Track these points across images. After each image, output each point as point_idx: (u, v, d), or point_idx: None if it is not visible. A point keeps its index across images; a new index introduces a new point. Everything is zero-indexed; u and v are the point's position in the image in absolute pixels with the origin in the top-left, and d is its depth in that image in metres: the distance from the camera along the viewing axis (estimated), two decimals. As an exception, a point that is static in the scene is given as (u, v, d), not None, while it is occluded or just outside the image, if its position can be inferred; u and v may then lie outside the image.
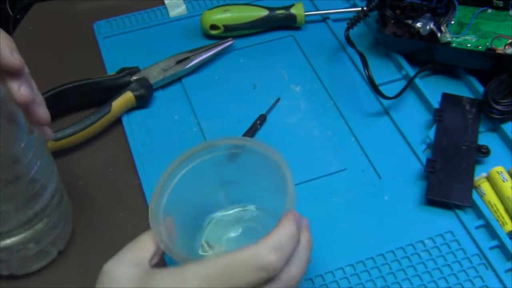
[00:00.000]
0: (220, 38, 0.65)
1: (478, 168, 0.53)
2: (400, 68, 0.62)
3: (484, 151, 0.53)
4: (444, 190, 0.50)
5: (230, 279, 0.33)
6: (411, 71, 0.60)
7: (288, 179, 0.40)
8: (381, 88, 0.57)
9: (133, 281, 0.35)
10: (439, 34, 0.58)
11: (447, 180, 0.51)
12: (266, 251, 0.33)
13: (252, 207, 0.48)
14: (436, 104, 0.57)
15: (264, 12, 0.65)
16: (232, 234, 0.46)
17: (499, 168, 0.51)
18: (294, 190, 0.39)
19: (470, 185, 0.51)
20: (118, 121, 0.58)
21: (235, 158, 0.44)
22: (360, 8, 0.63)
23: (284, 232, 0.35)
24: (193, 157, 0.43)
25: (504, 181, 0.50)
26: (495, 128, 0.56)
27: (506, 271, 0.47)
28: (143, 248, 0.38)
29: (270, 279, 0.34)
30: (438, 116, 0.56)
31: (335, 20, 0.67)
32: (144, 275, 0.35)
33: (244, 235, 0.46)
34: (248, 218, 0.47)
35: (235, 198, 0.47)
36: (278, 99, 0.60)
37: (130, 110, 0.59)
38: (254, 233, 0.46)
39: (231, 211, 0.48)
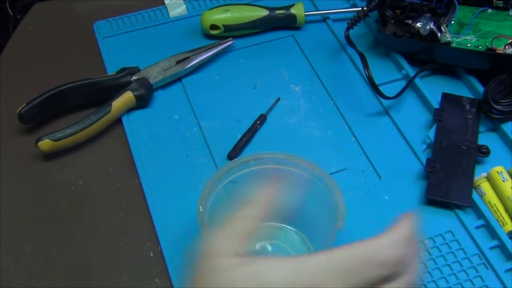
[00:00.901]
0: (220, 38, 0.65)
1: (478, 168, 0.53)
2: (400, 68, 0.62)
3: (484, 151, 0.53)
4: (444, 190, 0.50)
5: (353, 273, 0.30)
6: (411, 71, 0.60)
7: (338, 196, 0.41)
8: (381, 88, 0.57)
9: (237, 259, 0.32)
10: (439, 34, 0.58)
11: (447, 180, 0.51)
12: (387, 245, 0.32)
13: (287, 227, 0.48)
14: (436, 104, 0.57)
15: (264, 12, 0.65)
16: (263, 248, 0.47)
17: (499, 168, 0.51)
18: (345, 207, 0.41)
19: (470, 185, 0.51)
20: (118, 121, 0.58)
21: (279, 173, 0.44)
22: (360, 8, 0.63)
23: (405, 230, 0.33)
24: (238, 168, 0.44)
25: (504, 181, 0.50)
26: (495, 128, 0.56)
27: (506, 271, 0.47)
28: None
29: (387, 278, 0.32)
30: (438, 116, 0.56)
31: (335, 20, 0.67)
32: (247, 259, 0.32)
33: (273, 252, 0.47)
34: (280, 237, 0.48)
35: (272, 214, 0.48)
36: (278, 99, 0.60)
37: (130, 110, 0.59)
38: (283, 252, 0.47)
39: (266, 227, 0.48)
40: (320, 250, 0.32)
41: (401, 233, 0.33)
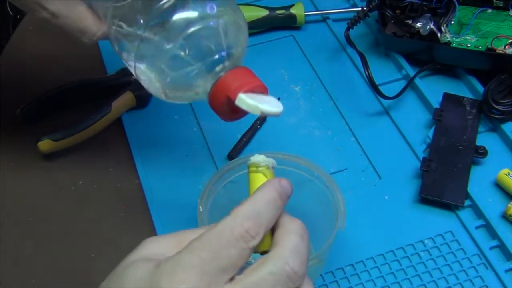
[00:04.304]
0: (220, 38, 0.65)
1: (476, 169, 0.53)
2: (400, 68, 0.62)
3: (481, 152, 0.53)
4: (438, 189, 0.50)
5: (214, 260, 0.30)
6: (411, 71, 0.60)
7: (338, 196, 0.41)
8: (381, 88, 0.57)
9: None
10: (439, 34, 0.58)
11: (442, 180, 0.51)
12: (239, 220, 0.31)
13: None
14: (436, 104, 0.57)
15: (264, 12, 0.65)
16: None
17: (506, 170, 0.51)
18: (345, 207, 0.41)
19: (464, 185, 0.51)
20: (118, 121, 0.58)
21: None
22: (360, 8, 0.63)
23: (260, 197, 0.32)
24: (238, 168, 0.44)
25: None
26: (495, 128, 0.56)
27: (506, 271, 0.47)
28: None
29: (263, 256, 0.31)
30: (437, 116, 0.55)
31: (335, 20, 0.67)
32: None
33: None
34: None
35: None
36: (278, 99, 0.59)
37: (130, 110, 0.59)
38: None
39: None
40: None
41: (256, 201, 0.32)
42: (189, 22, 0.37)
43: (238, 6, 0.40)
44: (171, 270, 0.29)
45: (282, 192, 0.33)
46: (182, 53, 0.37)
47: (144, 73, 0.39)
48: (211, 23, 0.37)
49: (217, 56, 0.37)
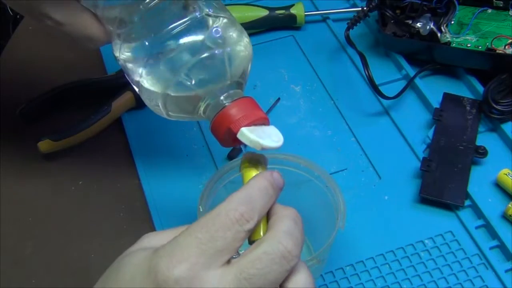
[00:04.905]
0: (220, 38, 0.65)
1: (476, 169, 0.53)
2: (400, 68, 0.62)
3: (481, 152, 0.53)
4: (438, 189, 0.50)
5: (210, 241, 0.31)
6: (411, 71, 0.60)
7: (338, 196, 0.41)
8: (381, 88, 0.57)
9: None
10: (439, 34, 0.58)
11: (442, 179, 0.51)
12: (234, 205, 0.32)
13: None
14: (436, 104, 0.57)
15: (264, 12, 0.65)
16: None
17: (506, 170, 0.51)
18: (345, 207, 0.41)
19: (464, 185, 0.51)
20: (118, 121, 0.58)
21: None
22: (360, 8, 0.63)
23: (253, 185, 0.34)
24: (238, 168, 0.44)
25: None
26: (495, 128, 0.56)
27: (506, 271, 0.47)
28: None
29: (256, 241, 0.32)
30: (437, 116, 0.56)
31: (335, 20, 0.67)
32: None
33: None
34: None
35: None
36: (278, 99, 0.60)
37: (130, 110, 0.59)
38: None
39: None
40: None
41: (249, 188, 0.33)
42: (196, 50, 0.37)
43: (245, 30, 0.40)
44: (169, 252, 0.30)
45: (273, 182, 0.34)
46: (187, 82, 0.37)
47: (146, 92, 0.39)
48: (217, 52, 0.37)
49: (221, 85, 0.38)
